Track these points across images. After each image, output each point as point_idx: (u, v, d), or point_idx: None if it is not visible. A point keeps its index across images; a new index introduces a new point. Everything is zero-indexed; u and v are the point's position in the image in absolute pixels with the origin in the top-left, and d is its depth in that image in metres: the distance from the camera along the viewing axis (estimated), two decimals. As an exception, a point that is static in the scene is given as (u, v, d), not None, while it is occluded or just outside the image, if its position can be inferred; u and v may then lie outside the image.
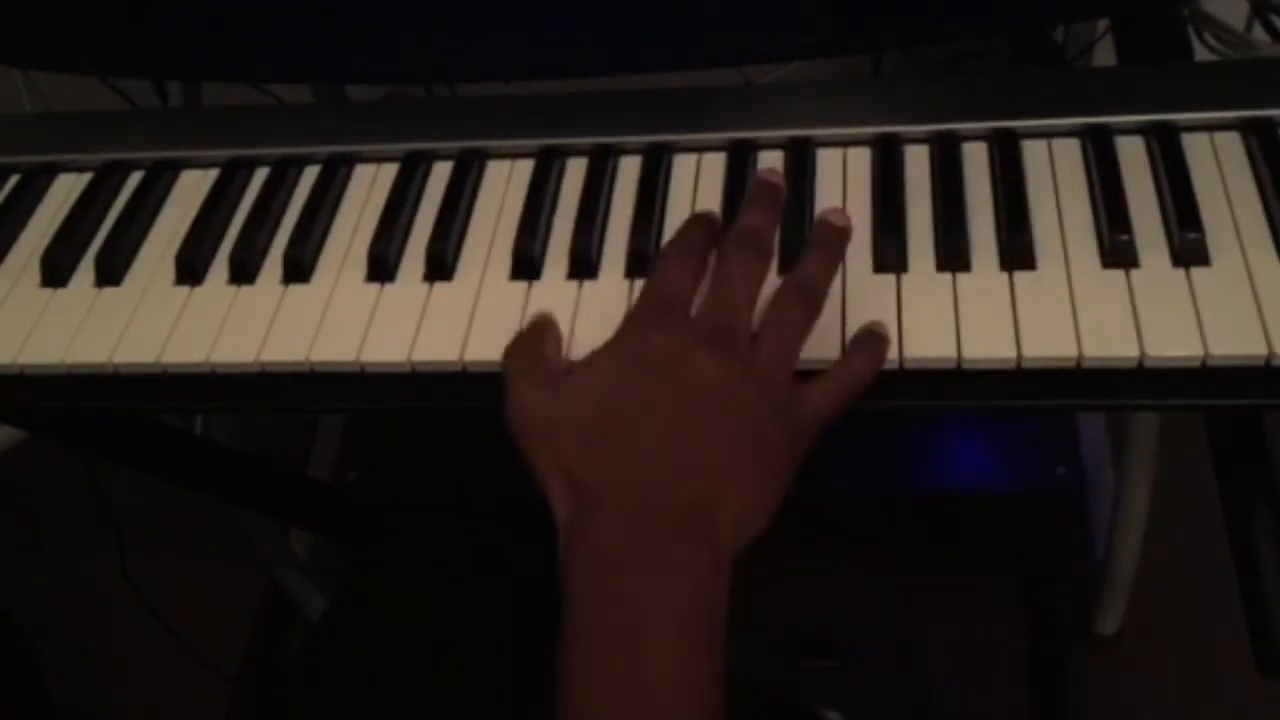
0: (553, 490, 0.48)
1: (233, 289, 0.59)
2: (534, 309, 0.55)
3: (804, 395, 0.50)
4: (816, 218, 0.56)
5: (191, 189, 0.64)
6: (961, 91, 0.60)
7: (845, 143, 0.59)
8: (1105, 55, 0.90)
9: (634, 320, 0.52)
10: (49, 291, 0.61)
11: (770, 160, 0.59)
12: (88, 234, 0.63)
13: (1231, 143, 0.56)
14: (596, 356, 0.51)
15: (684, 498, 0.47)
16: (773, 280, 0.54)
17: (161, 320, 0.58)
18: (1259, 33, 0.71)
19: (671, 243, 0.55)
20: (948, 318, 0.51)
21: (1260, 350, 0.48)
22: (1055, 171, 0.56)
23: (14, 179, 0.67)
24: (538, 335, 0.53)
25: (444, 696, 0.69)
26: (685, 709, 0.43)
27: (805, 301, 0.52)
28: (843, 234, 0.55)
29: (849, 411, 0.51)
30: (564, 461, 0.48)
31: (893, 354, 0.50)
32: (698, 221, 0.56)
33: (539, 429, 0.49)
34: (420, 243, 0.59)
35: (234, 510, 1.17)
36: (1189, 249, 0.51)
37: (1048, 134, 0.58)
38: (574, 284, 0.56)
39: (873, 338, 0.51)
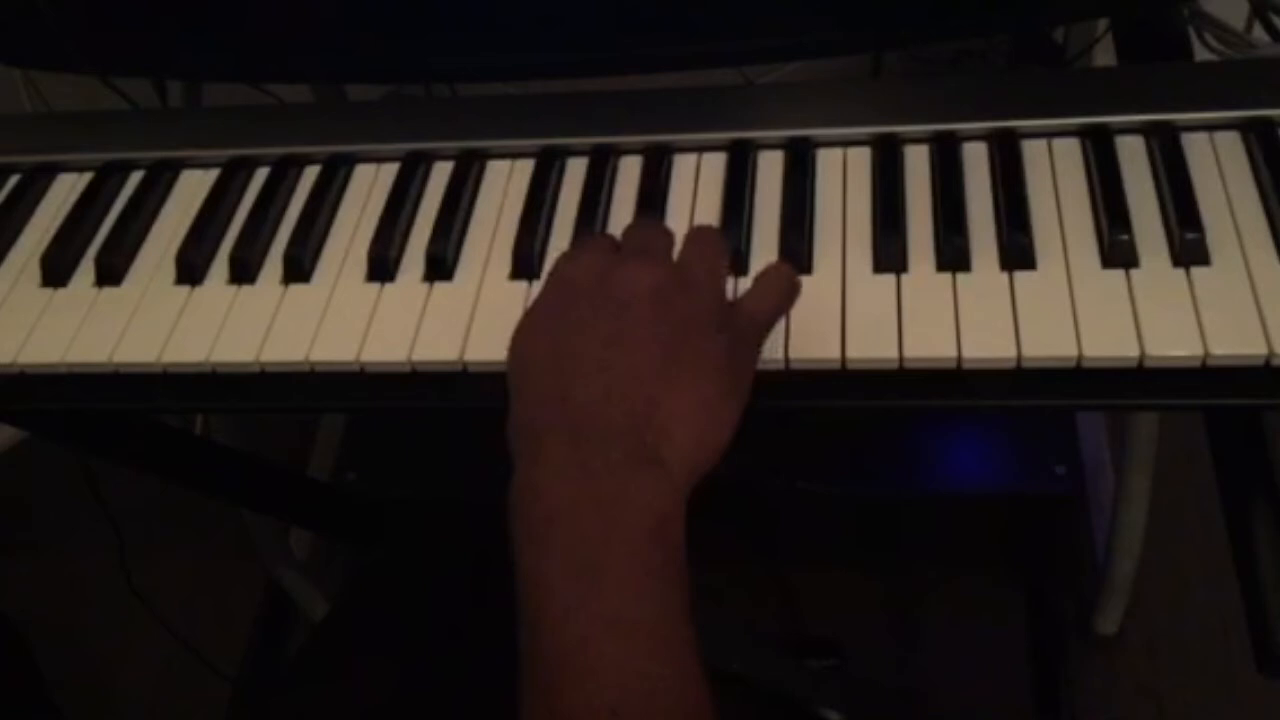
0: (512, 449, 0.46)
1: (233, 289, 0.59)
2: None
3: (738, 303, 0.49)
4: None
5: (191, 189, 0.64)
6: (961, 91, 0.60)
7: (845, 143, 0.59)
8: (1105, 55, 0.90)
9: (559, 258, 0.51)
10: (49, 291, 0.61)
11: (770, 160, 0.59)
12: (88, 234, 0.63)
13: (1231, 143, 0.56)
14: (530, 305, 0.50)
15: (620, 414, 0.43)
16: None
17: (161, 320, 0.58)
18: (1259, 33, 0.71)
19: None
20: (948, 318, 0.51)
21: (1260, 350, 0.48)
22: (1055, 171, 0.56)
23: (14, 179, 0.67)
24: None
25: (444, 696, 0.69)
26: (648, 638, 0.40)
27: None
28: None
29: (849, 412, 0.50)
30: (516, 415, 0.46)
31: (893, 354, 0.50)
32: None
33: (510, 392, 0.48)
34: (420, 243, 0.59)
35: (234, 510, 1.17)
36: (1189, 249, 0.51)
37: (1048, 134, 0.58)
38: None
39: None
